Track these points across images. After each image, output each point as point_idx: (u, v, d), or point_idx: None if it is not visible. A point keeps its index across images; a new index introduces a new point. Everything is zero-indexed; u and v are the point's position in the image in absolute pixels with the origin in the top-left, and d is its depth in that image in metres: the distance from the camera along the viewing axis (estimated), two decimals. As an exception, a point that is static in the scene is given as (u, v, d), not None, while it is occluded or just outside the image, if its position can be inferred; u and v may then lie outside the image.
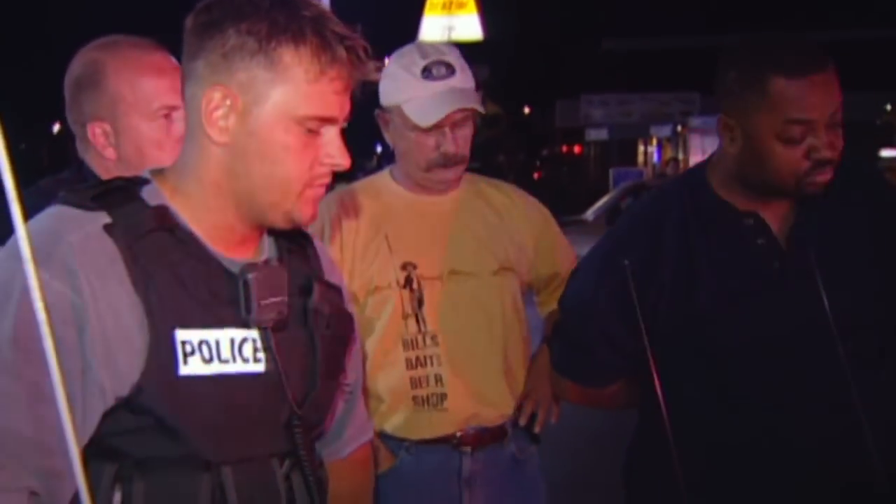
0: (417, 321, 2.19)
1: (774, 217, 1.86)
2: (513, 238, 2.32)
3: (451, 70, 2.17)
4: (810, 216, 1.85)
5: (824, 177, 1.77)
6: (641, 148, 27.05)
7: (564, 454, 5.02)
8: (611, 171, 20.68)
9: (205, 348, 1.20)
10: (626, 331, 1.88)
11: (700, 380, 1.87)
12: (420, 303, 2.19)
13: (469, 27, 20.79)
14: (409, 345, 2.19)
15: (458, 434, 2.22)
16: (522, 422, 2.28)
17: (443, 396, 2.20)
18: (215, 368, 1.21)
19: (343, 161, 1.27)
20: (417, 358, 2.19)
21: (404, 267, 2.20)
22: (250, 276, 1.23)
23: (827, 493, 1.81)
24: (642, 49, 23.72)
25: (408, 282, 2.19)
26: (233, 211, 1.26)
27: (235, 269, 1.25)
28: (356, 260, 2.20)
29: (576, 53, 24.72)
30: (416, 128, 2.16)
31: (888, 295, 1.89)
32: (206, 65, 1.22)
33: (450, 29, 20.54)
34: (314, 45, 1.21)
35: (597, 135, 25.25)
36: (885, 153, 21.27)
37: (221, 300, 1.23)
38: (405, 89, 2.16)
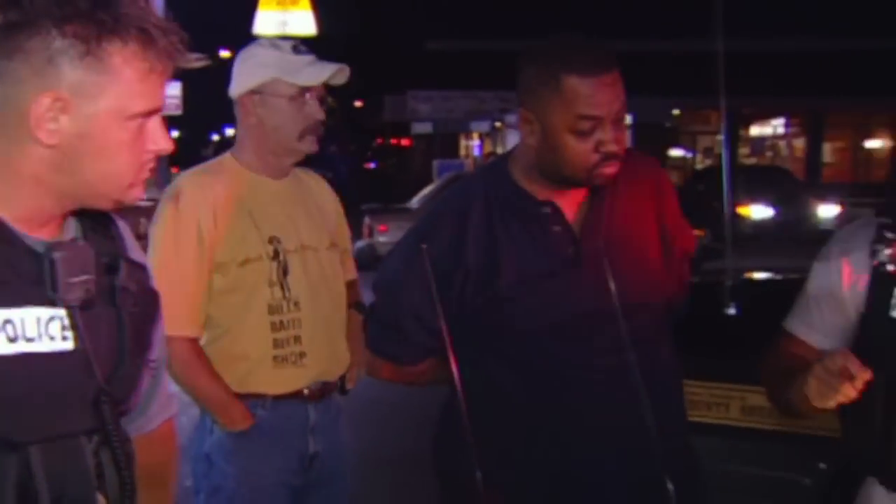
0: (282, 288, 2.32)
1: (570, 206, 1.91)
2: (331, 217, 2.51)
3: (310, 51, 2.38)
4: (601, 205, 1.91)
5: (611, 169, 1.83)
6: (463, 142, 27.47)
7: (382, 431, 5.05)
8: (434, 163, 20.89)
9: (9, 327, 1.15)
10: (435, 312, 1.91)
11: (502, 356, 1.91)
12: (285, 272, 2.33)
13: (303, 23, 20.49)
14: (274, 309, 2.31)
15: (306, 391, 2.35)
16: (351, 385, 2.47)
17: (302, 354, 2.34)
18: (20, 347, 1.15)
19: (167, 146, 1.25)
20: (281, 321, 2.32)
21: (271, 241, 2.32)
22: (56, 254, 1.18)
23: (613, 459, 1.88)
24: (464, 49, 24.05)
25: (276, 254, 2.32)
26: (50, 199, 1.21)
27: (41, 249, 1.19)
28: (227, 233, 2.29)
29: (403, 52, 24.88)
30: (293, 98, 2.30)
31: (666, 276, 1.99)
32: (29, 67, 1.15)
33: (284, 24, 20.20)
34: (140, 42, 1.17)
35: (422, 129, 25.47)
36: (673, 152, 22.32)
37: (27, 279, 1.17)
38: (281, 63, 2.32)
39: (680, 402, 2.04)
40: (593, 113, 1.78)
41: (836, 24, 22.43)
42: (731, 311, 4.23)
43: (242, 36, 14.16)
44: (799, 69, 23.10)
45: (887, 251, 1.70)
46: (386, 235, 12.34)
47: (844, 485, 3.47)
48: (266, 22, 20.38)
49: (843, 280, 1.77)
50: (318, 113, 2.35)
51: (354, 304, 2.50)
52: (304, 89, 2.33)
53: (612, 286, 1.85)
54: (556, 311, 1.87)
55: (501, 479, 1.84)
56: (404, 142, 30.13)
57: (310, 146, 2.36)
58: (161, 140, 1.25)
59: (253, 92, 2.33)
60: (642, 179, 1.98)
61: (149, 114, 1.22)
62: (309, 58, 2.36)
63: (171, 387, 1.57)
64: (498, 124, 24.56)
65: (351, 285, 2.53)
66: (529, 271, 1.87)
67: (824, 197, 18.01)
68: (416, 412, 4.95)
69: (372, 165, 34.10)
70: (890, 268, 1.70)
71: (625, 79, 1.83)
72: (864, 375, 1.55)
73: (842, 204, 17.82)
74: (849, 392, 1.56)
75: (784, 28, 21.80)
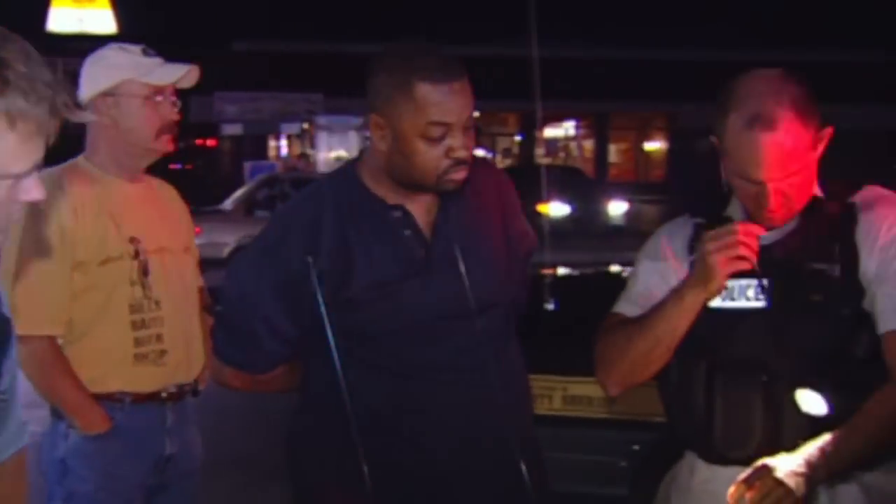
0: (143, 288, 2.31)
1: (420, 210, 1.90)
2: (183, 223, 2.52)
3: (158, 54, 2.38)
4: (450, 208, 1.91)
5: (460, 174, 1.83)
6: (273, 143, 27.03)
7: (216, 433, 4.91)
8: (245, 164, 20.42)
9: None
10: (288, 320, 1.87)
11: (359, 361, 1.88)
12: (145, 272, 2.31)
13: (101, 20, 19.49)
14: (135, 308, 2.30)
15: (164, 394, 2.34)
16: (202, 386, 2.46)
17: (163, 353, 2.33)
18: None
19: (39, 195, 1.18)
20: (143, 320, 2.31)
21: (132, 241, 2.30)
22: None
23: (474, 456, 1.89)
24: (272, 51, 23.65)
25: (136, 254, 2.31)
26: None
27: None
28: (88, 232, 2.25)
29: (209, 52, 24.16)
30: (147, 98, 2.29)
31: (512, 276, 2.01)
32: None
33: (80, 21, 19.17)
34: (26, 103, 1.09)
35: (231, 130, 24.85)
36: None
37: None
38: (133, 64, 2.31)
39: (529, 396, 2.08)
40: (445, 119, 1.77)
41: (621, 34, 23.68)
42: (550, 305, 4.38)
43: (37, 34, 13.28)
44: (587, 75, 24.25)
45: None
46: (200, 238, 11.92)
47: (656, 464, 3.69)
48: (61, 19, 19.28)
49: (668, 272, 1.87)
50: (172, 113, 2.35)
51: (206, 308, 2.45)
52: (158, 90, 2.31)
53: (464, 287, 1.86)
54: (410, 313, 1.85)
55: (363, 481, 1.82)
56: (210, 143, 29.29)
57: (165, 146, 2.35)
58: (33, 191, 1.17)
59: (106, 94, 2.31)
60: (486, 183, 1.99)
61: (28, 172, 1.14)
62: (159, 59, 2.35)
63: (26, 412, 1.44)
64: (306, 126, 24.32)
65: (200, 291, 2.51)
66: (383, 275, 1.85)
67: (613, 195, 18.99)
68: (251, 416, 4.86)
69: (177, 167, 32.96)
70: None
71: None
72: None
73: (629, 201, 18.86)
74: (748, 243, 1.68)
75: (574, 36, 22.80)
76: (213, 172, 25.69)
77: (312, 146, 24.93)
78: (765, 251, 1.78)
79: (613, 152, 29.43)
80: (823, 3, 23.60)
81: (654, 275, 1.89)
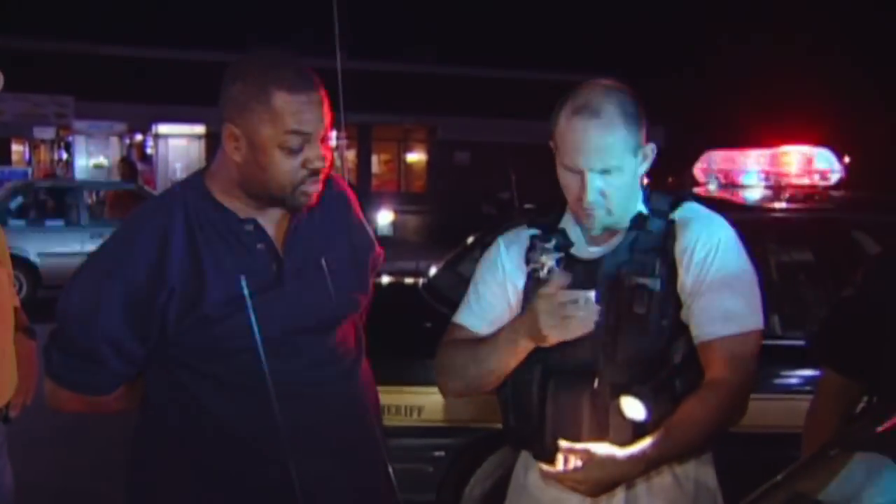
0: None
1: (271, 223, 1.86)
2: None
3: None
4: (300, 221, 1.89)
5: (316, 186, 1.82)
6: (18, 148, 25.06)
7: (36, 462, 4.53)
8: (-8, 171, 18.78)
9: None
10: (135, 338, 1.77)
11: (210, 378, 1.81)
12: None
13: None
14: None
15: None
16: (15, 413, 2.33)
17: None
18: None
19: None
20: None
21: None
22: None
23: (337, 471, 1.87)
24: (16, 49, 21.96)
25: None
26: None
27: None
28: None
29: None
30: None
31: (362, 287, 2.01)
32: None
33: None
34: None
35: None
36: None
37: None
38: None
39: (378, 405, 2.08)
40: (303, 129, 1.75)
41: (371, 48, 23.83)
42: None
43: None
44: (349, 87, 24.39)
45: (541, 259, 1.93)
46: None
47: (459, 468, 3.77)
48: None
49: (506, 280, 1.97)
50: None
51: (23, 329, 2.29)
52: None
53: (318, 300, 1.85)
54: (264, 328, 1.80)
55: (217, 501, 1.76)
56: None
57: None
58: None
59: None
60: (330, 194, 1.98)
61: None
62: None
63: None
64: (63, 131, 22.74)
65: (16, 310, 2.33)
66: (235, 291, 1.79)
67: (379, 205, 19.26)
68: (69, 442, 4.48)
69: None
70: (541, 274, 1.92)
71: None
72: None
73: (395, 212, 19.19)
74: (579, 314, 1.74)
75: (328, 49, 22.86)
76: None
77: (68, 152, 23.34)
78: (595, 264, 1.90)
79: (375, 163, 29.80)
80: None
81: (493, 285, 1.98)
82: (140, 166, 15.61)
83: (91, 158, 24.78)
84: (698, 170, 5.30)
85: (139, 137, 26.53)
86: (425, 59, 27.20)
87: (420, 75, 26.48)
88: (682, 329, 1.85)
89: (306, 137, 1.76)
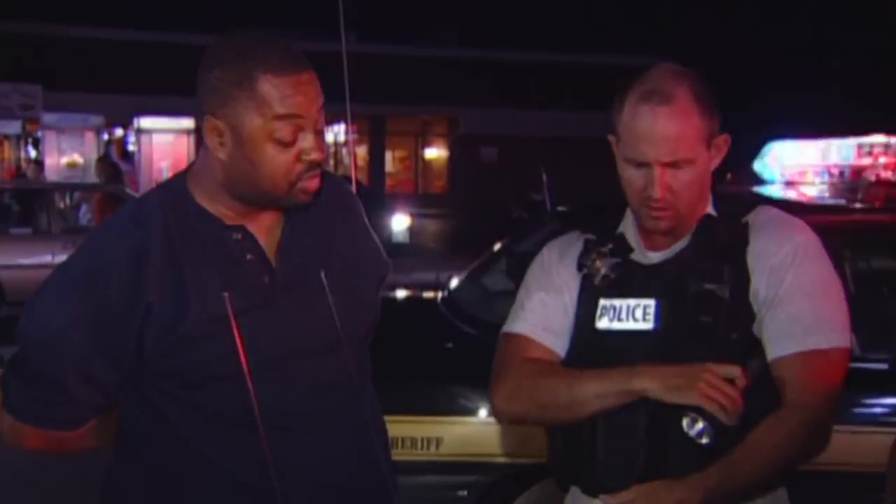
0: None
1: (262, 230, 1.85)
2: None
3: None
4: (296, 226, 1.87)
5: (314, 181, 1.80)
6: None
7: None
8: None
9: None
10: (106, 364, 1.76)
11: (190, 405, 1.80)
12: None
13: None
14: None
15: None
16: None
17: None
18: None
19: None
20: None
21: None
22: None
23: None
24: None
25: None
26: None
27: None
28: None
29: None
30: None
31: (368, 303, 1.99)
32: None
33: None
34: None
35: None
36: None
37: None
38: None
39: (387, 438, 2.07)
40: (293, 111, 1.73)
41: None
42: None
43: None
44: (359, 73, 24.47)
45: (596, 264, 1.99)
46: None
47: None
48: None
49: (562, 287, 2.04)
50: None
51: None
52: None
53: (319, 317, 1.83)
54: (255, 350, 1.78)
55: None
56: None
57: None
58: None
59: None
60: (330, 197, 1.97)
61: None
62: None
63: None
64: (30, 125, 22.95)
65: None
66: (221, 307, 1.77)
67: (393, 208, 19.27)
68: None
69: None
70: (596, 281, 1.97)
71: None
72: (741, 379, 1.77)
73: (412, 216, 19.22)
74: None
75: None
76: None
77: (37, 149, 23.56)
78: (654, 270, 1.91)
79: (390, 160, 29.88)
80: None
81: (549, 292, 2.05)
82: (121, 166, 15.72)
83: (63, 157, 24.94)
84: (763, 164, 5.25)
85: (119, 132, 26.76)
86: (446, 42, 27.26)
87: (440, 60, 26.54)
88: (755, 344, 1.86)
89: (299, 124, 1.74)
